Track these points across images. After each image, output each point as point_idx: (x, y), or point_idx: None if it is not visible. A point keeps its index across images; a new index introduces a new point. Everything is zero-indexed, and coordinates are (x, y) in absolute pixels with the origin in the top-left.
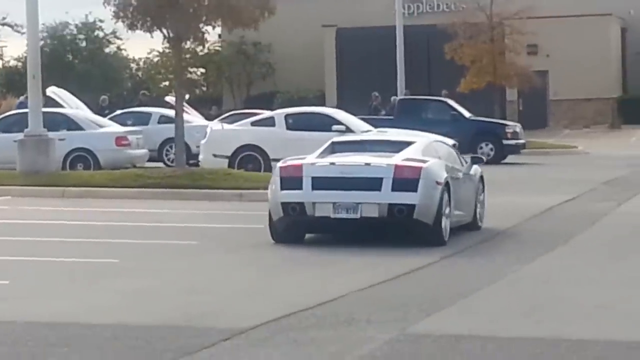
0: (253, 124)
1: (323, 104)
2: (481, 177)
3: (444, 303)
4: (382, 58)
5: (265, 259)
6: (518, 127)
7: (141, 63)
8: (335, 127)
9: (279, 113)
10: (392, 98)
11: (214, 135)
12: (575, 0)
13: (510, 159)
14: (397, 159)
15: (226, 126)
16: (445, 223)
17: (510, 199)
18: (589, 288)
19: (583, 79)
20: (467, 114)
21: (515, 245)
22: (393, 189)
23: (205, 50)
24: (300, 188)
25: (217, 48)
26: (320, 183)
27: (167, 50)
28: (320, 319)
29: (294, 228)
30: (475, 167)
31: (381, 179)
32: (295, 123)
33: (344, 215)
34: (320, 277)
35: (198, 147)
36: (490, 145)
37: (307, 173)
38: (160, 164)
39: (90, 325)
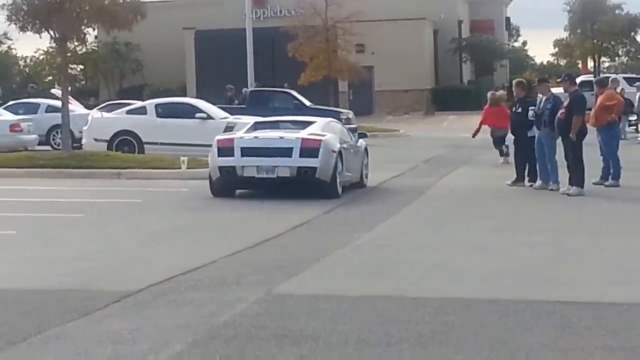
0: (128, 112)
1: (185, 95)
2: (365, 148)
3: (302, 266)
4: (235, 55)
5: (146, 229)
6: (351, 114)
7: (28, 60)
8: (198, 114)
9: (150, 103)
10: (244, 90)
11: (95, 122)
12: (395, 6)
13: None
14: (304, 133)
15: (105, 114)
16: (339, 181)
17: None
18: (422, 251)
19: (402, 73)
20: (307, 102)
21: (355, 215)
22: (300, 156)
23: (84, 50)
24: (233, 155)
25: (94, 47)
26: (247, 152)
27: (51, 49)
28: (197, 282)
29: (228, 185)
30: (361, 140)
31: (292, 148)
32: (164, 111)
33: (264, 175)
34: (195, 244)
35: (81, 132)
36: None
37: (237, 144)
38: (48, 148)
39: None
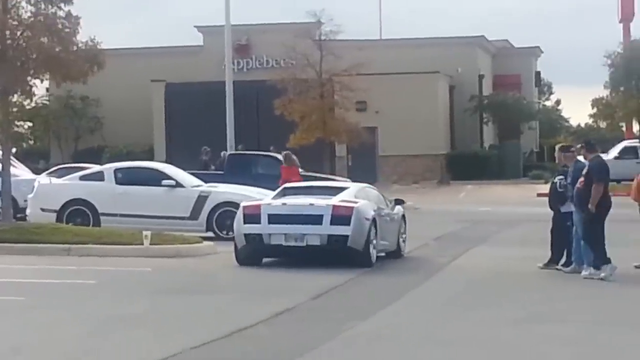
0: (82, 178)
1: (152, 159)
2: (403, 216)
3: None
4: (212, 113)
5: (96, 316)
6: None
7: None
8: (165, 181)
9: (108, 167)
10: (222, 153)
11: (42, 189)
12: (403, 58)
13: None
14: (335, 200)
15: (54, 180)
16: (373, 250)
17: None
18: (427, 347)
19: (412, 136)
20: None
21: (349, 301)
22: (331, 223)
23: (33, 104)
24: (259, 222)
25: (44, 102)
26: (274, 219)
27: None
28: None
29: (255, 254)
30: (398, 207)
31: (322, 215)
32: (125, 177)
33: (293, 243)
34: (155, 334)
35: (26, 201)
36: None
37: (265, 211)
38: None
39: None
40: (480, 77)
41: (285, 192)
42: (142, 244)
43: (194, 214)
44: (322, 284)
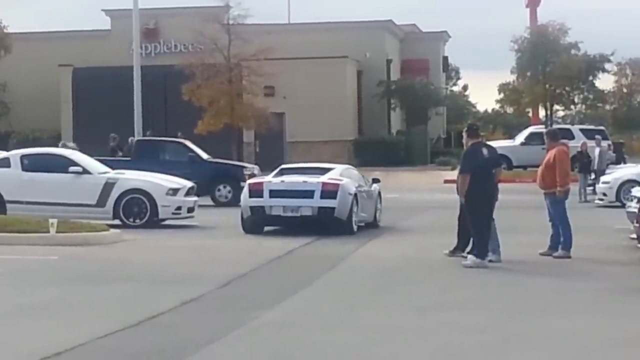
0: None
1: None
2: (379, 192)
3: (187, 352)
4: (120, 98)
5: (3, 305)
6: (256, 170)
7: None
8: (72, 168)
9: (15, 154)
10: (130, 139)
11: None
12: (312, 43)
13: None
14: (324, 178)
15: None
16: (355, 220)
17: (248, 242)
18: (332, 334)
19: (320, 121)
20: (204, 155)
21: (256, 289)
22: (321, 197)
23: None
24: (262, 197)
25: None
26: (274, 193)
27: None
28: None
29: (258, 223)
30: (375, 185)
31: (313, 191)
32: (31, 164)
33: (289, 214)
34: (62, 323)
35: None
36: (229, 188)
37: (266, 187)
38: None
39: None
40: (389, 61)
41: (283, 172)
42: (49, 231)
43: (101, 202)
44: (230, 272)
